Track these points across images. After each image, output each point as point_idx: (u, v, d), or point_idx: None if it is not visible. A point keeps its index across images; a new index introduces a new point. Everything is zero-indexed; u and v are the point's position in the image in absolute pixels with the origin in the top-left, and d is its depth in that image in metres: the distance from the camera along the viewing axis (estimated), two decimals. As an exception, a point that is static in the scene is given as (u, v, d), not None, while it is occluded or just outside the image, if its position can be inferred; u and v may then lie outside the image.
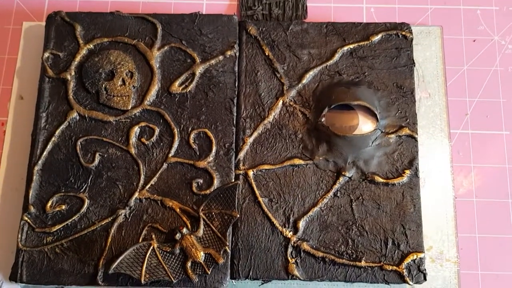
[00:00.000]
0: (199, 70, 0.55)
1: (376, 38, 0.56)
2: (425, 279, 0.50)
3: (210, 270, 0.49)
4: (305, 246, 0.51)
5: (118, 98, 0.54)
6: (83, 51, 0.56)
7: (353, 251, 0.51)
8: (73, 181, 0.52)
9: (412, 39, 0.56)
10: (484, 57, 0.58)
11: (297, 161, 0.53)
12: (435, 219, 0.54)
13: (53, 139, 0.53)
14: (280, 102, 0.55)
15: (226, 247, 0.49)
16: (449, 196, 0.54)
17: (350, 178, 0.52)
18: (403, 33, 0.56)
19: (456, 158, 0.55)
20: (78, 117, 0.54)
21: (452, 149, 0.55)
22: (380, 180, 0.52)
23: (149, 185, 0.52)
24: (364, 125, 0.54)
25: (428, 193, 0.54)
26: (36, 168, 0.52)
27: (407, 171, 0.52)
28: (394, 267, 0.50)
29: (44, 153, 0.53)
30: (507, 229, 0.54)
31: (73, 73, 0.55)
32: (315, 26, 0.57)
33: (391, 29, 0.56)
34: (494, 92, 0.57)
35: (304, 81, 0.55)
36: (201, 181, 0.52)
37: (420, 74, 0.57)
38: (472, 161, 0.56)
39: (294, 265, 0.50)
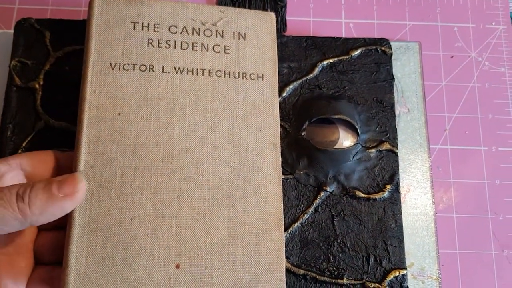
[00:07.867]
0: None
1: (356, 53, 0.56)
2: (407, 296, 0.49)
3: None
4: (286, 263, 0.49)
5: (90, 109, 0.52)
6: (53, 59, 0.53)
7: (334, 268, 0.49)
8: (40, 196, 0.49)
9: (391, 54, 0.56)
10: (462, 73, 0.58)
11: (277, 176, 0.51)
12: (416, 235, 0.53)
13: (20, 151, 0.50)
14: (260, 115, 0.53)
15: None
16: (429, 212, 0.54)
17: (331, 193, 0.51)
18: (383, 48, 0.56)
19: (435, 174, 0.55)
20: (46, 128, 0.51)
21: (432, 164, 0.55)
22: (361, 195, 0.51)
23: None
24: (345, 139, 0.53)
25: (408, 209, 0.53)
26: (1, 182, 0.49)
27: (388, 186, 0.52)
28: (376, 285, 0.49)
29: (10, 166, 0.50)
30: (487, 245, 0.53)
31: (41, 82, 0.53)
32: (294, 40, 0.56)
33: (371, 44, 0.56)
34: (472, 108, 0.57)
35: (284, 94, 0.54)
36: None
37: (399, 89, 0.57)
38: (451, 177, 0.55)
39: (275, 284, 0.48)
